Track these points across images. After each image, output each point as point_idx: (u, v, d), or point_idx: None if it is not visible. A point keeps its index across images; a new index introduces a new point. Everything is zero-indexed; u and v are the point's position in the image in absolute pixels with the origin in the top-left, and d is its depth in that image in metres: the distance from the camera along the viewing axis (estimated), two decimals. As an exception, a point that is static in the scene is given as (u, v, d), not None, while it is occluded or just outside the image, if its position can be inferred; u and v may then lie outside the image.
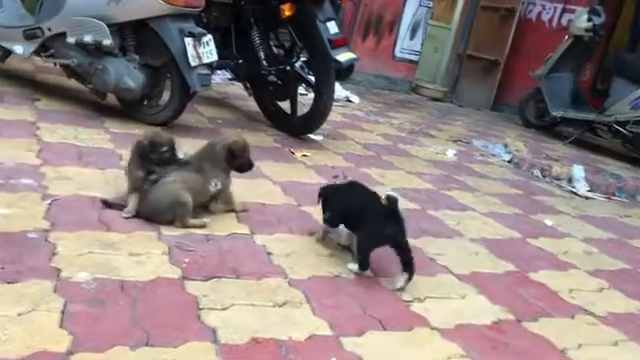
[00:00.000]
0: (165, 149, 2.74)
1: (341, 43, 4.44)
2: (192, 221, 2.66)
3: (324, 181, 3.84)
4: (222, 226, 2.78)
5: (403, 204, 3.67)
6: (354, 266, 2.59)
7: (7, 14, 4.51)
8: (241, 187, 3.32)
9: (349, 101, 7.47)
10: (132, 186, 2.72)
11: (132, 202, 2.67)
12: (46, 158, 3.13)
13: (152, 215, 2.62)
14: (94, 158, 3.30)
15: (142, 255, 2.33)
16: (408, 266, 2.52)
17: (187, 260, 2.36)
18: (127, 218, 2.62)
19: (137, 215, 2.62)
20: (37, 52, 4.17)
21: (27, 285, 1.95)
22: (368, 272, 2.58)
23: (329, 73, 4.51)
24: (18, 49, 4.16)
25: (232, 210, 2.97)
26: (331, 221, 2.78)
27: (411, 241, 3.04)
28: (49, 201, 2.62)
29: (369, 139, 5.49)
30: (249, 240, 2.70)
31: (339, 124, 5.80)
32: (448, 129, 7.06)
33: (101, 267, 2.17)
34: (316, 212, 3.18)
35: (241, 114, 5.34)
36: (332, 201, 2.79)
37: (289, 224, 2.97)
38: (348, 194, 2.82)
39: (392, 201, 2.57)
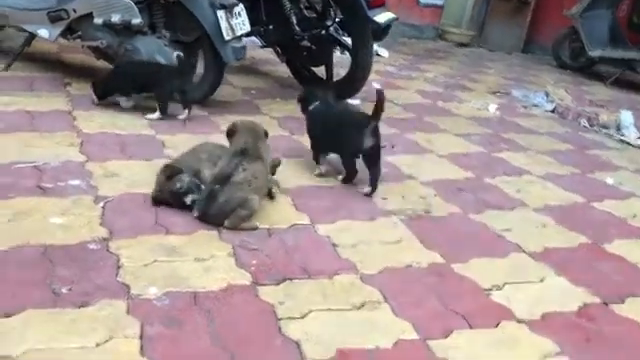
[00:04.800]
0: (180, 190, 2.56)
1: (379, 3, 4.18)
2: (242, 224, 2.49)
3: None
4: (281, 217, 2.65)
5: (458, 173, 3.53)
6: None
7: (29, -5, 4.32)
8: (288, 166, 3.19)
9: (378, 55, 7.19)
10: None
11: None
12: (89, 152, 3.02)
13: (219, 218, 2.46)
14: (137, 148, 3.18)
15: (207, 260, 2.22)
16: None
17: (254, 262, 2.25)
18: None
19: (202, 218, 2.47)
20: (63, 34, 4.00)
21: (99, 307, 1.86)
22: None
23: (367, 35, 4.28)
24: (43, 33, 3.98)
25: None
26: None
27: (474, 215, 2.95)
28: (102, 204, 2.51)
29: (407, 98, 5.28)
30: (311, 231, 2.58)
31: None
32: (483, 79, 6.79)
33: (169, 278, 2.07)
34: (373, 193, 3.05)
35: (273, 81, 5.14)
36: None
37: (348, 208, 2.84)
38: None
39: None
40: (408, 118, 4.65)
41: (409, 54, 7.69)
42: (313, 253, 2.39)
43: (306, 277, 2.21)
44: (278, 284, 2.14)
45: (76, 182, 2.68)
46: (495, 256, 2.59)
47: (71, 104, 3.67)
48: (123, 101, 3.70)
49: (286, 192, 2.91)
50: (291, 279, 2.18)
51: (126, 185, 2.73)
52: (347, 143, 3.03)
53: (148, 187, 2.71)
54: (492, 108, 5.36)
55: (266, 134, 2.82)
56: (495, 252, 2.63)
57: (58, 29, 3.93)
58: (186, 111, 3.69)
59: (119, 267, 2.09)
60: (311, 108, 3.26)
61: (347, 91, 4.63)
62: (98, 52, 4.02)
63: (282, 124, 3.95)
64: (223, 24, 3.64)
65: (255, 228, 2.51)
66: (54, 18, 3.90)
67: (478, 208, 3.07)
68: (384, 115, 4.54)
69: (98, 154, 3.02)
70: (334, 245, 2.48)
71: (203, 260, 2.22)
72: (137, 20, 3.67)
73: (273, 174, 2.94)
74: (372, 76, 5.80)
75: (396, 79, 6.05)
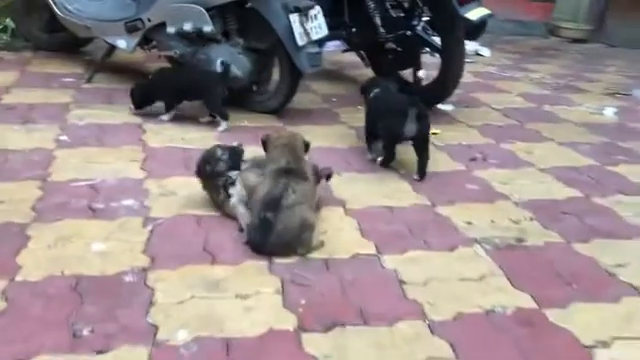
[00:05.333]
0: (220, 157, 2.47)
1: (471, -3, 3.75)
2: (313, 246, 2.25)
3: (461, 167, 3.27)
4: (343, 244, 2.34)
5: (562, 191, 3.04)
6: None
7: (110, 5, 4.34)
8: (360, 183, 2.89)
9: (479, 55, 6.66)
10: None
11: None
12: (150, 169, 2.88)
13: (278, 247, 2.19)
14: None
15: (251, 297, 1.96)
16: None
17: (304, 301, 1.95)
18: None
19: (259, 250, 2.21)
20: (140, 45, 3.95)
21: (117, 355, 1.64)
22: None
23: (458, 34, 3.85)
24: (121, 44, 3.95)
25: None
26: None
27: (579, 246, 2.47)
28: (150, 227, 2.33)
29: (507, 102, 4.75)
30: (376, 264, 2.23)
31: (470, 86, 5.10)
32: (600, 78, 6.04)
33: (204, 320, 1.82)
34: (455, 215, 2.66)
35: (356, 88, 4.79)
36: None
37: (424, 235, 2.47)
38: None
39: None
40: (506, 125, 4.16)
41: (514, 53, 7.07)
42: (374, 292, 2.05)
43: (361, 323, 1.88)
44: (327, 331, 1.83)
45: (129, 202, 2.53)
46: (603, 300, 2.11)
47: (143, 117, 3.58)
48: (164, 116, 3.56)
49: (353, 213, 2.60)
50: (343, 325, 1.86)
51: (181, 205, 2.54)
52: (387, 128, 3.02)
53: (204, 208, 2.52)
54: (609, 112, 4.69)
55: (307, 146, 2.51)
56: (603, 295, 2.14)
57: (135, 39, 3.88)
58: (207, 118, 3.56)
59: (151, 304, 1.88)
60: (372, 95, 3.26)
61: (437, 95, 4.22)
62: (174, 62, 3.92)
63: (360, 135, 3.61)
64: (296, 29, 3.38)
65: (322, 244, 2.28)
66: (131, 28, 3.85)
67: (584, 236, 2.57)
68: (478, 122, 4.16)
69: (159, 170, 2.87)
70: (401, 282, 2.12)
71: (246, 297, 1.96)
72: (209, 28, 3.52)
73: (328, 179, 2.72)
74: (470, 78, 5.36)
75: (497, 80, 5.51)
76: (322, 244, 2.29)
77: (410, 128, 2.93)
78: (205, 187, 2.53)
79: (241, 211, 2.36)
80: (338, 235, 2.41)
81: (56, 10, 4.21)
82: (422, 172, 3.01)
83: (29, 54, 4.72)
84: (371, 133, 3.21)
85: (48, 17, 4.45)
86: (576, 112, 4.64)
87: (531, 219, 2.70)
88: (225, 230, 2.36)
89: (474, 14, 3.68)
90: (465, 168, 3.26)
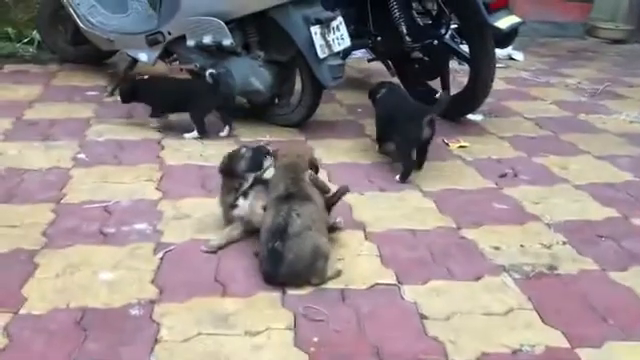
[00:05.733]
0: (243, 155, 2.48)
1: (500, 4, 3.57)
2: (329, 276, 2.15)
3: (490, 184, 3.11)
4: (361, 273, 2.22)
5: (598, 211, 2.86)
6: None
7: (133, 18, 4.34)
8: (381, 202, 2.77)
9: (512, 59, 6.44)
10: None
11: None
12: (166, 189, 2.81)
13: (291, 277, 2.09)
14: (219, 182, 2.91)
15: (261, 333, 1.86)
16: None
17: (316, 339, 1.84)
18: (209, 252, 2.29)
19: (271, 281, 2.11)
20: (161, 58, 3.90)
21: (116, 400, 1.57)
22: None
23: (487, 43, 3.69)
24: (143, 57, 3.92)
25: None
26: None
27: (615, 275, 2.30)
28: (161, 254, 2.26)
29: (541, 111, 4.55)
30: (396, 295, 2.11)
31: (502, 94, 4.90)
32: (641, 83, 5.76)
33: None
34: (481, 239, 2.51)
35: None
36: None
37: (447, 262, 2.33)
38: None
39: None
40: (539, 136, 3.96)
41: (549, 56, 6.81)
42: (392, 327, 1.93)
43: (377, 364, 1.76)
44: (339, 373, 1.72)
45: (142, 226, 2.46)
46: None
47: (162, 132, 3.52)
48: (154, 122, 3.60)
49: (373, 237, 2.48)
50: (357, 366, 1.75)
51: (194, 230, 2.46)
52: (404, 134, 3.08)
53: (218, 231, 2.43)
54: (650, 120, 4.45)
55: (315, 167, 2.42)
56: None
57: (156, 52, 3.84)
58: (227, 128, 3.53)
59: (156, 341, 1.80)
60: (378, 96, 3.39)
61: (467, 105, 4.06)
62: (195, 74, 3.86)
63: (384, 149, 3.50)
64: (317, 41, 3.28)
65: (339, 274, 2.17)
66: (152, 41, 3.80)
67: (622, 263, 2.40)
68: (509, 133, 3.98)
69: (175, 190, 2.80)
70: (421, 316, 1.99)
71: (256, 334, 1.86)
72: (228, 41, 3.44)
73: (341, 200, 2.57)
74: (502, 84, 5.17)
75: (530, 87, 5.30)
76: (339, 273, 2.19)
77: (427, 132, 3.05)
78: (223, 184, 2.49)
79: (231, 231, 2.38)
80: (356, 262, 2.30)
81: (79, 23, 4.21)
82: (421, 165, 3.16)
83: (55, 67, 4.73)
84: (382, 135, 3.39)
85: (73, 29, 4.45)
86: (614, 121, 4.41)
87: (564, 243, 2.53)
88: (238, 257, 2.28)
89: (504, 22, 3.52)
90: (494, 185, 3.10)
